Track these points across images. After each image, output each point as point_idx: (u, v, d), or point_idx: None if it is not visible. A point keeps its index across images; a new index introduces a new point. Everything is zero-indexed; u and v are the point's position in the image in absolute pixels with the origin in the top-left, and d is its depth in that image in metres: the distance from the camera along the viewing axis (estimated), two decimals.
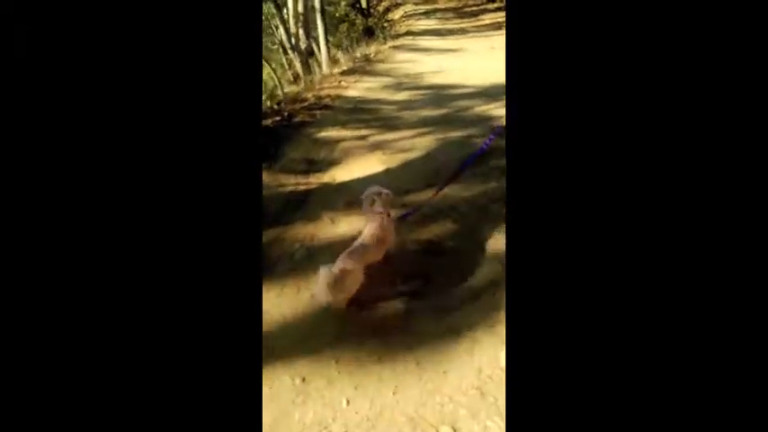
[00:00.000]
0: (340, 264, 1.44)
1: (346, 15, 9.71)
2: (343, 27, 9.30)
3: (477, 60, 5.11)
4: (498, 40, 6.22)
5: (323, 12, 7.25)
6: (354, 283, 1.48)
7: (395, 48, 6.17)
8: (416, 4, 11.28)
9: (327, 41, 7.31)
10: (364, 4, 9.77)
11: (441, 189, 2.06)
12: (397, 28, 8.22)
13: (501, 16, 8.30)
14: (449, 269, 1.67)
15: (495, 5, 9.32)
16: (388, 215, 1.67)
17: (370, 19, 9.73)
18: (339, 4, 9.37)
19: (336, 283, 1.42)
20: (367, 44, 7.37)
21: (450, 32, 7.31)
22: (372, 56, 5.64)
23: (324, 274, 1.42)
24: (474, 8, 9.74)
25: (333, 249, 1.72)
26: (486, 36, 6.71)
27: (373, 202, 1.67)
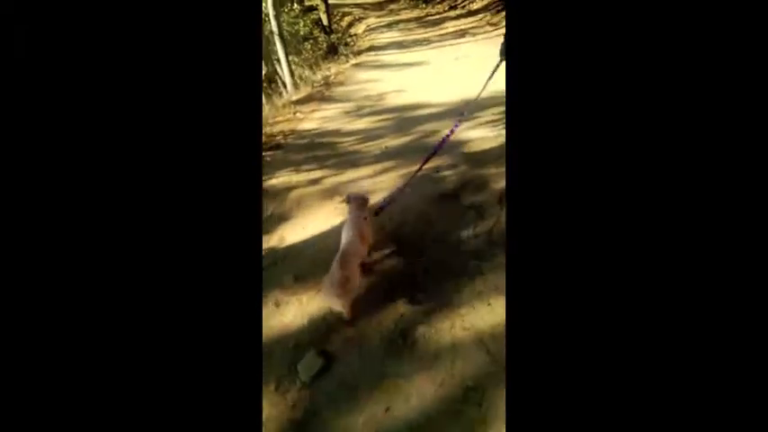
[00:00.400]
0: (338, 272, 1.48)
1: (310, 33, 9.38)
2: (307, 45, 8.97)
3: (442, 73, 4.82)
4: (462, 49, 5.97)
5: (281, 35, 6.90)
6: (356, 283, 1.54)
7: (357, 66, 5.84)
8: (379, 16, 11.04)
9: (290, 65, 6.96)
10: (326, 21, 9.47)
11: (409, 181, 2.15)
12: (360, 43, 7.92)
13: (463, 24, 8.09)
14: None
15: (457, 13, 9.12)
16: (365, 218, 1.74)
17: (332, 35, 9.43)
18: (300, 22, 9.02)
19: (342, 287, 1.46)
20: (330, 62, 7.06)
21: (414, 43, 7.04)
22: (333, 77, 5.29)
23: (329, 283, 1.47)
24: (436, 17, 9.53)
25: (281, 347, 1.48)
26: (451, 45, 6.45)
27: (350, 203, 1.78)
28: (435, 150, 2.20)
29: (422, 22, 9.27)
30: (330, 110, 4.05)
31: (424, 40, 7.24)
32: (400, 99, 4.12)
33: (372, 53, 6.55)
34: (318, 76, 5.72)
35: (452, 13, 9.37)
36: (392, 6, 12.63)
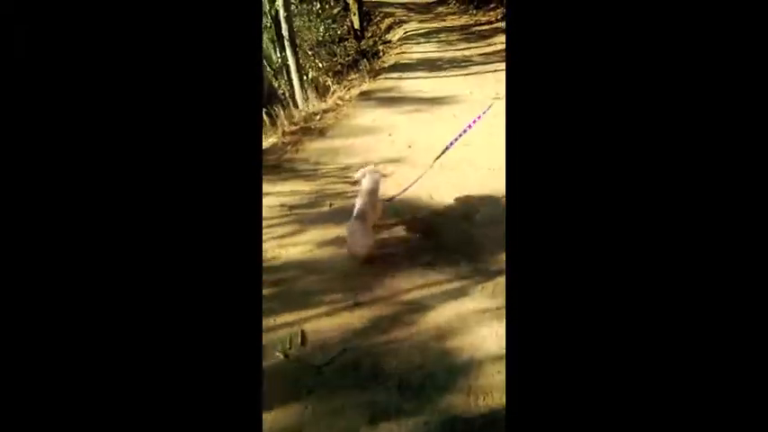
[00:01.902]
0: (357, 224, 1.76)
1: (337, 37, 8.10)
2: (337, 50, 7.70)
3: (474, 127, 3.32)
4: None
5: (292, 39, 5.67)
6: (372, 236, 1.83)
7: (366, 95, 4.42)
8: (422, 21, 9.52)
9: (301, 77, 5.73)
10: (357, 24, 8.13)
11: (423, 173, 2.26)
12: (385, 58, 6.53)
13: None
14: None
15: None
16: (376, 192, 1.93)
17: (363, 41, 8.10)
18: (321, 25, 7.75)
19: (362, 236, 1.76)
20: (357, 73, 5.75)
21: (451, 64, 5.56)
22: (318, 118, 3.77)
23: (350, 234, 1.78)
24: (485, 27, 7.90)
25: None
26: (495, 71, 4.92)
27: (365, 177, 1.94)
28: (455, 140, 2.20)
29: (467, 32, 7.68)
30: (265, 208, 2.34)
31: (464, 60, 5.73)
32: (393, 189, 2.49)
33: (395, 74, 5.15)
34: (331, 97, 4.41)
35: (504, 25, 7.72)
36: (440, 9, 11.00)
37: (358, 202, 1.83)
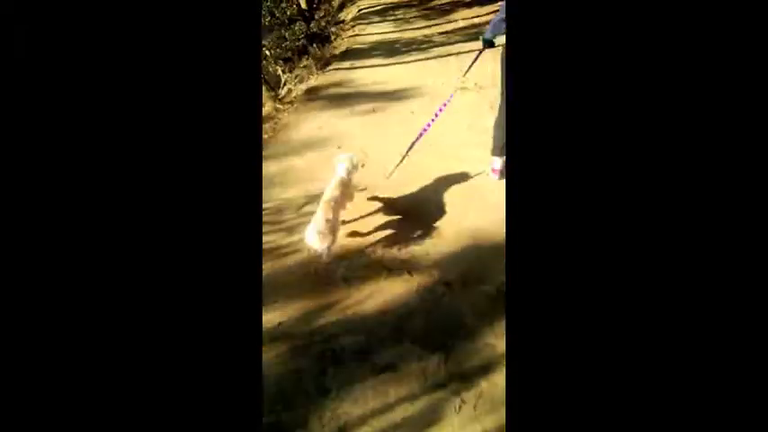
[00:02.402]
0: (322, 217, 1.61)
1: (277, 21, 7.17)
2: (286, 34, 6.81)
3: (436, 128, 2.75)
4: (475, 63, 3.88)
5: None
6: (337, 229, 1.68)
7: (310, 95, 3.69)
8: None
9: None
10: (304, 4, 7.22)
11: (401, 162, 2.19)
12: (340, 39, 5.79)
13: (477, 14, 5.87)
14: None
15: None
16: (350, 178, 1.85)
17: (313, 23, 7.24)
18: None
19: (326, 230, 1.59)
20: (302, 63, 5.01)
21: (409, 47, 4.92)
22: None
23: (313, 227, 1.60)
24: (445, 0, 7.23)
25: None
26: (459, 53, 4.34)
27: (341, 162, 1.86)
28: (423, 131, 2.19)
29: (426, 8, 6.99)
30: None
31: (424, 42, 5.11)
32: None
33: (347, 63, 4.47)
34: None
35: None
36: None
37: (327, 191, 1.72)
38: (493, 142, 2.15)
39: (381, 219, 1.97)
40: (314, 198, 2.14)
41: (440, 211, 2.01)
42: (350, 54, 4.88)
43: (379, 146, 2.57)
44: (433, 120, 2.20)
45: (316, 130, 2.94)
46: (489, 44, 2.04)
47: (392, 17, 6.60)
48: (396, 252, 1.79)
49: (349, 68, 4.29)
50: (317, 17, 8.64)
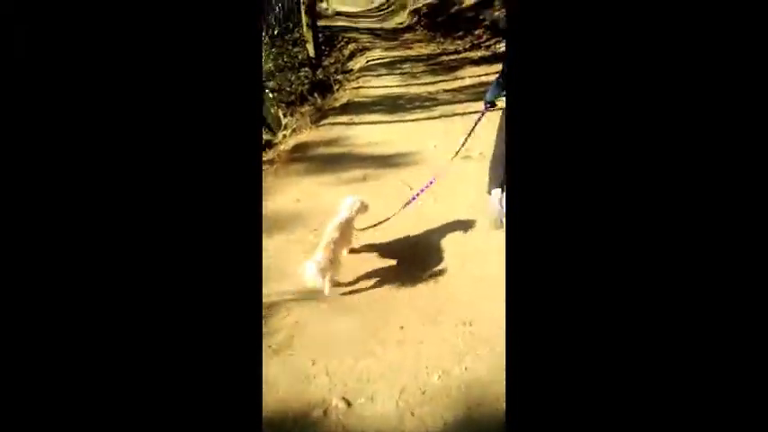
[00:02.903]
0: (323, 253, 1.61)
1: (284, 65, 7.06)
2: (292, 77, 6.67)
3: (437, 208, 2.33)
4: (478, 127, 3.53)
5: None
6: (339, 266, 1.69)
7: (296, 153, 3.30)
8: (387, 48, 8.73)
9: None
10: (312, 52, 7.17)
11: (392, 216, 2.08)
12: (342, 90, 5.58)
13: (485, 71, 5.68)
14: None
15: (479, 54, 6.71)
16: (353, 221, 1.84)
17: (320, 70, 7.14)
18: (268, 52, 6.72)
19: (325, 268, 1.59)
20: (311, 105, 4.73)
21: (413, 103, 4.65)
22: None
23: (313, 263, 1.57)
24: (453, 57, 7.14)
25: None
26: (464, 114, 4.03)
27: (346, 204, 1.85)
28: (410, 201, 2.13)
29: (434, 63, 6.89)
30: None
31: (429, 99, 4.85)
32: None
33: (345, 117, 4.17)
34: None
35: (473, 54, 6.96)
36: (407, 36, 10.31)
37: (327, 232, 1.70)
38: (490, 178, 2.14)
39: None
40: (275, 306, 1.70)
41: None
42: (350, 107, 4.61)
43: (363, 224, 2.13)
44: (419, 192, 2.14)
45: (292, 202, 2.49)
46: (491, 104, 2.03)
47: (399, 70, 6.47)
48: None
49: (346, 123, 3.98)
50: (327, 63, 8.68)
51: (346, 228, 1.77)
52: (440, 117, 4.05)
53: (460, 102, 4.48)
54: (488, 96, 1.99)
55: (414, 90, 5.26)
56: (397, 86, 5.53)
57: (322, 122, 4.09)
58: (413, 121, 4.06)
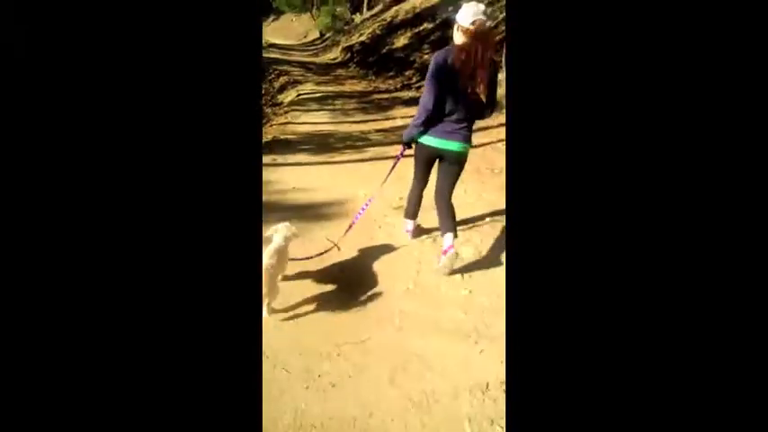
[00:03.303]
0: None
1: None
2: None
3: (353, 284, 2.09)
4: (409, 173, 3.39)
5: None
6: (276, 291, 1.70)
7: None
8: (319, 83, 8.59)
9: None
10: None
11: (339, 241, 2.13)
12: (269, 126, 5.19)
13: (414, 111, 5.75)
14: None
15: (410, 95, 6.83)
16: (286, 247, 1.83)
17: None
18: None
19: (265, 294, 1.60)
20: None
21: (343, 142, 4.43)
22: None
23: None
24: (385, 95, 7.20)
25: None
26: (388, 160, 3.90)
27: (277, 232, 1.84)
28: (353, 224, 2.21)
29: (365, 101, 6.85)
30: None
31: (360, 139, 4.68)
32: None
33: (269, 157, 3.76)
34: None
35: (404, 95, 7.07)
36: (339, 71, 10.33)
37: (264, 259, 1.64)
38: (407, 207, 2.33)
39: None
40: None
41: None
42: (275, 146, 4.22)
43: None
44: (355, 219, 2.25)
45: None
46: (408, 146, 2.11)
47: (330, 106, 6.29)
48: None
49: (269, 165, 3.59)
50: None
51: (281, 255, 1.75)
52: (370, 160, 3.86)
53: (391, 143, 4.36)
54: (405, 137, 2.04)
55: (344, 128, 5.07)
56: (327, 123, 5.30)
57: None
58: (342, 162, 3.81)
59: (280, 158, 3.76)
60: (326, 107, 6.24)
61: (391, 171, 2.25)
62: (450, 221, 2.03)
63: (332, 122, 5.35)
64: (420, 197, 2.23)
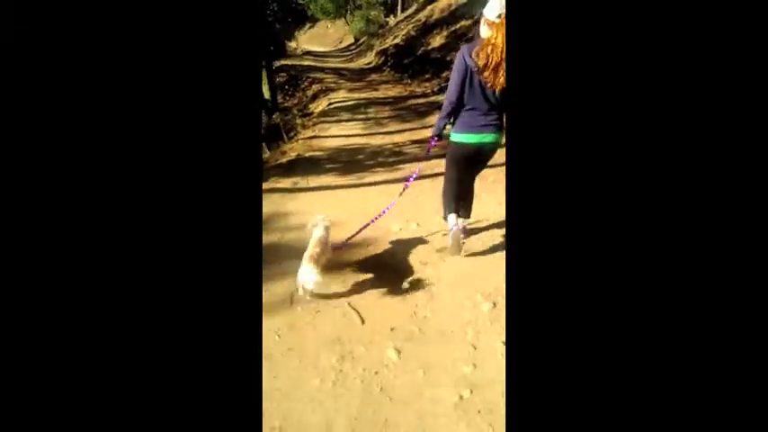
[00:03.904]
0: (310, 265, 1.76)
1: None
2: None
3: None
4: (427, 187, 2.69)
5: None
6: (320, 273, 1.78)
7: None
8: (352, 89, 8.13)
9: None
10: (267, 94, 6.38)
11: (367, 224, 2.22)
12: (293, 142, 4.74)
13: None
14: None
15: None
16: (327, 236, 1.98)
17: (276, 115, 6.34)
18: None
19: (315, 270, 1.75)
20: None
21: (375, 159, 3.86)
22: None
23: (302, 270, 1.76)
24: (421, 100, 6.56)
25: None
26: (434, 176, 3.26)
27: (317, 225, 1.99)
28: (385, 211, 2.29)
29: (400, 107, 6.24)
30: None
31: (394, 153, 4.09)
32: None
33: (290, 180, 3.30)
34: None
35: (442, 98, 6.41)
36: (373, 77, 9.83)
37: (309, 249, 1.84)
38: (446, 205, 2.16)
39: None
40: None
41: None
42: (299, 165, 3.74)
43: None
44: (385, 210, 2.27)
45: None
46: (438, 137, 2.07)
47: (362, 115, 5.76)
48: None
49: (288, 190, 3.10)
50: (290, 105, 7.93)
51: (324, 241, 1.91)
52: (405, 180, 3.26)
53: (431, 158, 3.73)
54: (434, 131, 2.05)
55: (376, 140, 4.50)
56: (357, 135, 4.76)
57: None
58: (372, 184, 3.23)
59: (302, 181, 3.27)
60: (358, 116, 5.72)
61: (426, 156, 2.41)
62: (458, 204, 2.12)
63: (364, 134, 4.81)
64: (460, 194, 2.14)
